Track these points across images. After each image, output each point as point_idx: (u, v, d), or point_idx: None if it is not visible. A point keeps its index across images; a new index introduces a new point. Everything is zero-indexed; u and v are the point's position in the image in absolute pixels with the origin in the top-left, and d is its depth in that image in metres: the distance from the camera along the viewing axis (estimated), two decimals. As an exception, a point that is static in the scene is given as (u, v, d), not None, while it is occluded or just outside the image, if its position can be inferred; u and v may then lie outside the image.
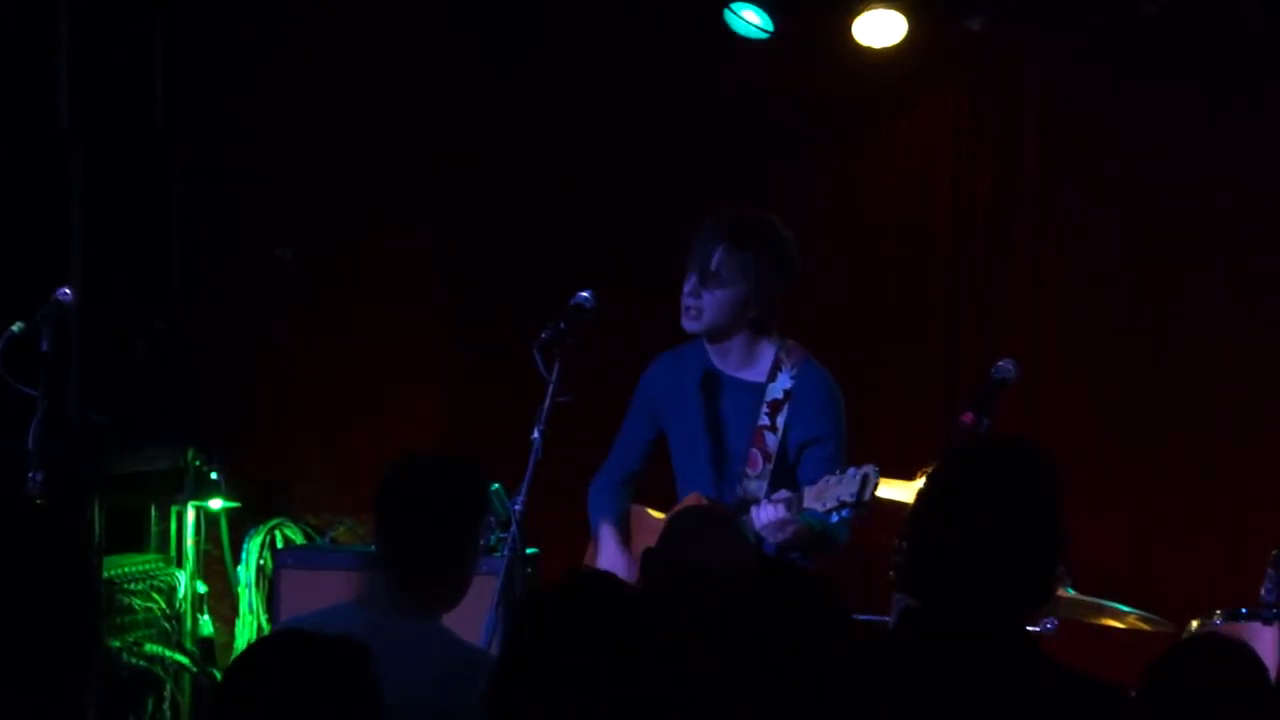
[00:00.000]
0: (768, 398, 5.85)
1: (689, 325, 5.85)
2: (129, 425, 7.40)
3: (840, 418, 5.88)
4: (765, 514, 5.57)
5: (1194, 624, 6.40)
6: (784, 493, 5.63)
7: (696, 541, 4.70)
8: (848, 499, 5.45)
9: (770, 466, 5.78)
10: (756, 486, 5.76)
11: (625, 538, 6.03)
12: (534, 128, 8.27)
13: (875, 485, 5.45)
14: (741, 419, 5.87)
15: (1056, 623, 6.25)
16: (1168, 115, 7.96)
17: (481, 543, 4.91)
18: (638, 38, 8.19)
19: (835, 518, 5.48)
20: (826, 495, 5.49)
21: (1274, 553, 6.34)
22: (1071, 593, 6.39)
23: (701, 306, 5.82)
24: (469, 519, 4.73)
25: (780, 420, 5.82)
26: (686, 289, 5.84)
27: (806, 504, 5.51)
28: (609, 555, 5.94)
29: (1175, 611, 6.61)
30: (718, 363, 5.93)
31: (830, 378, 5.92)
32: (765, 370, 5.88)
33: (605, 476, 6.08)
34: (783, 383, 5.85)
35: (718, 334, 5.88)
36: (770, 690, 3.29)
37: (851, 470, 5.49)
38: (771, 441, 5.81)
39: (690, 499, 5.90)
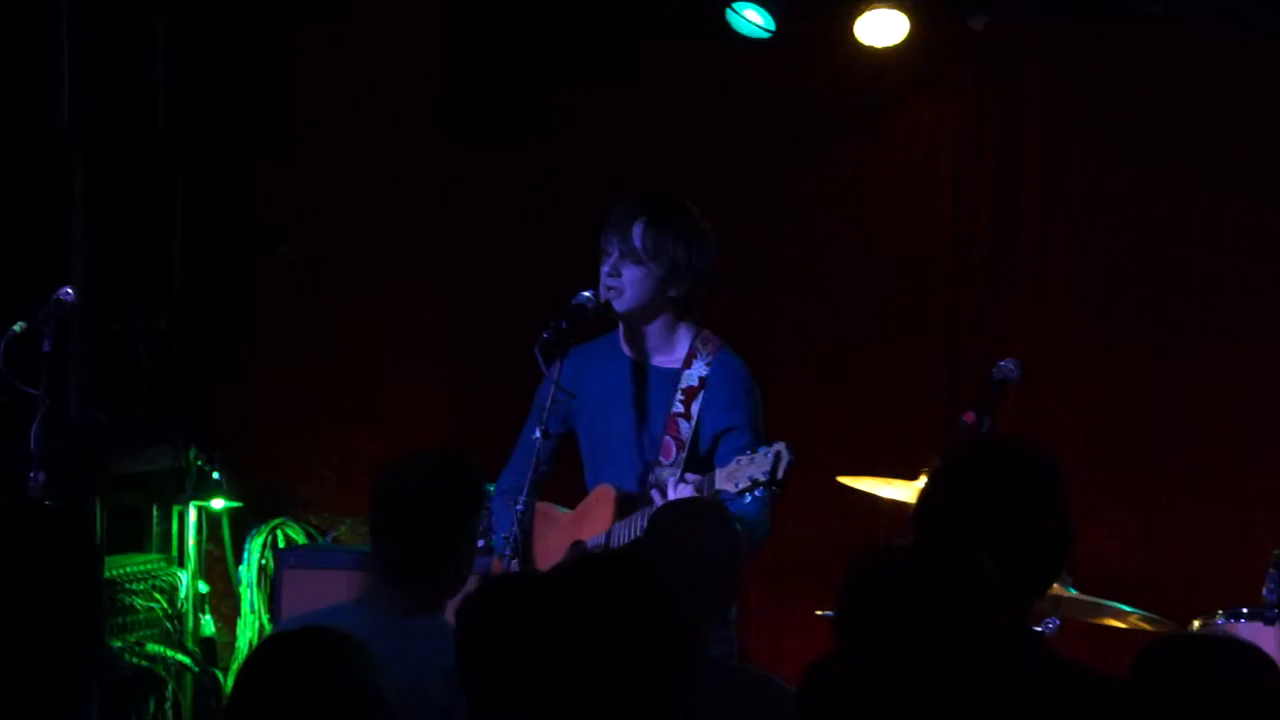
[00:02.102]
0: (682, 384, 5.80)
1: (614, 303, 5.81)
2: (130, 425, 7.40)
3: (755, 408, 5.82)
4: (674, 495, 5.53)
5: (1196, 624, 6.40)
6: (694, 476, 5.59)
7: (685, 531, 4.69)
8: (760, 478, 5.37)
9: (683, 455, 5.73)
10: (669, 474, 5.70)
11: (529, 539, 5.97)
12: (534, 127, 8.27)
13: (788, 463, 5.35)
14: (657, 406, 5.83)
15: (1058, 622, 6.25)
16: (1171, 115, 7.95)
17: (479, 534, 4.91)
18: (639, 37, 8.19)
19: (749, 498, 5.40)
20: (738, 475, 5.41)
21: (1275, 552, 6.34)
22: (1073, 593, 6.38)
23: (622, 285, 5.79)
24: (463, 513, 4.74)
25: (695, 408, 5.77)
26: (605, 268, 5.80)
27: (718, 485, 5.44)
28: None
29: (1177, 612, 6.60)
30: (633, 350, 5.89)
31: (746, 368, 5.86)
32: (681, 357, 5.84)
33: (512, 477, 5.88)
34: (698, 370, 5.81)
35: (639, 315, 5.83)
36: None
37: (763, 449, 5.42)
38: (685, 429, 5.77)
39: (601, 490, 5.87)
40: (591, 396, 5.92)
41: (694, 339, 5.85)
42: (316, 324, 8.15)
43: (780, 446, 5.38)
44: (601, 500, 5.85)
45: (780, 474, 5.36)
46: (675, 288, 5.80)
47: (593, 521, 5.84)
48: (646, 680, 3.12)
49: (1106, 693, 3.57)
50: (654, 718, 3.14)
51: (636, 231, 5.78)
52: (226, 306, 8.03)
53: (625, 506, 5.76)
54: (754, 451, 5.42)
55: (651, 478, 5.75)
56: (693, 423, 5.76)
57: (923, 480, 6.64)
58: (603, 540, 5.73)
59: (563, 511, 6.00)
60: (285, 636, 3.38)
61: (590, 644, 3.12)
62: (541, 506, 6.01)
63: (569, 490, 6.00)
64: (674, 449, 5.76)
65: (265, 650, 3.34)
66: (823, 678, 3.25)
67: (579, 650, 3.11)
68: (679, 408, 5.78)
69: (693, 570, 4.56)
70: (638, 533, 5.54)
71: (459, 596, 4.61)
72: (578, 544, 5.82)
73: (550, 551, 5.87)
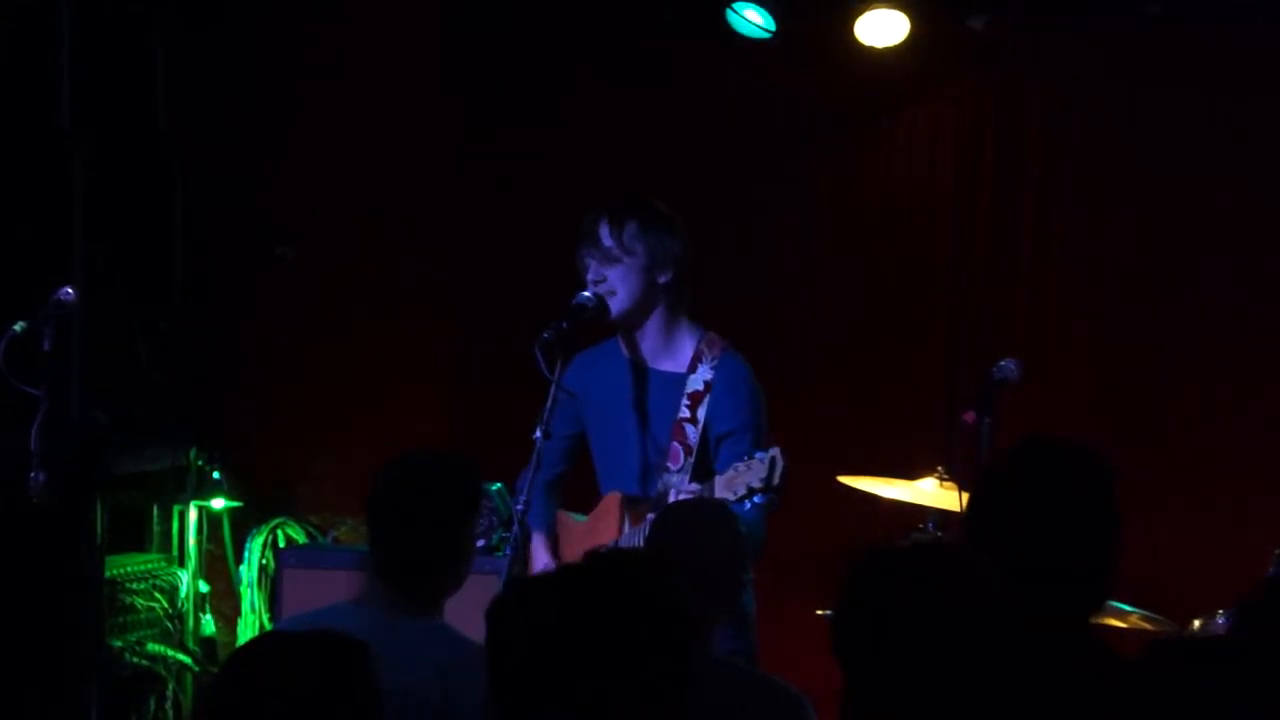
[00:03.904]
0: (688, 389, 5.80)
1: (610, 303, 5.81)
2: (131, 425, 7.40)
3: (759, 410, 5.81)
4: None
5: (1196, 623, 6.40)
6: (694, 485, 5.59)
7: (689, 533, 4.69)
8: (756, 484, 5.35)
9: (691, 460, 5.73)
10: (677, 480, 5.69)
11: (555, 545, 6.00)
12: (535, 127, 8.27)
13: (783, 468, 5.34)
14: (663, 411, 5.82)
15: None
16: (1169, 115, 7.96)
17: (478, 534, 4.90)
18: (639, 37, 8.19)
19: (747, 505, 5.39)
20: (736, 483, 5.40)
21: (1276, 552, 6.34)
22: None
23: (612, 285, 5.81)
24: (461, 514, 4.74)
25: (700, 412, 5.77)
26: (590, 277, 5.81)
27: (718, 494, 5.43)
28: (541, 568, 5.85)
29: (1177, 612, 6.60)
30: (633, 353, 5.89)
31: (749, 370, 5.86)
32: (686, 361, 5.84)
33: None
34: (703, 374, 5.80)
35: (634, 313, 5.83)
36: None
37: (759, 454, 5.41)
38: (692, 434, 5.77)
39: (610, 498, 5.87)
40: (597, 400, 5.94)
41: (699, 342, 5.85)
42: (317, 323, 8.15)
43: (775, 452, 5.37)
44: (610, 507, 5.86)
45: (776, 480, 5.34)
46: (661, 274, 5.81)
47: (603, 529, 5.85)
48: (651, 681, 3.13)
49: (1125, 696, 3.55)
50: (659, 717, 3.14)
51: (604, 233, 5.81)
52: (227, 306, 8.03)
53: (631, 510, 5.77)
54: (750, 458, 5.42)
55: (660, 484, 5.75)
56: (699, 427, 5.76)
57: (928, 481, 6.66)
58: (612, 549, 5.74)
59: (577, 520, 6.01)
60: (287, 636, 3.37)
61: (593, 644, 3.12)
62: (560, 515, 6.04)
63: (584, 493, 6.02)
64: (681, 454, 5.76)
65: (264, 649, 3.33)
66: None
67: (583, 651, 3.11)
68: (685, 413, 5.78)
69: (695, 571, 4.56)
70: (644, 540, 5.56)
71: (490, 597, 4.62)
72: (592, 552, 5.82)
73: (569, 560, 5.87)
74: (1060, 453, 3.88)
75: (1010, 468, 3.85)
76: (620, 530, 5.78)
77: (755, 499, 5.38)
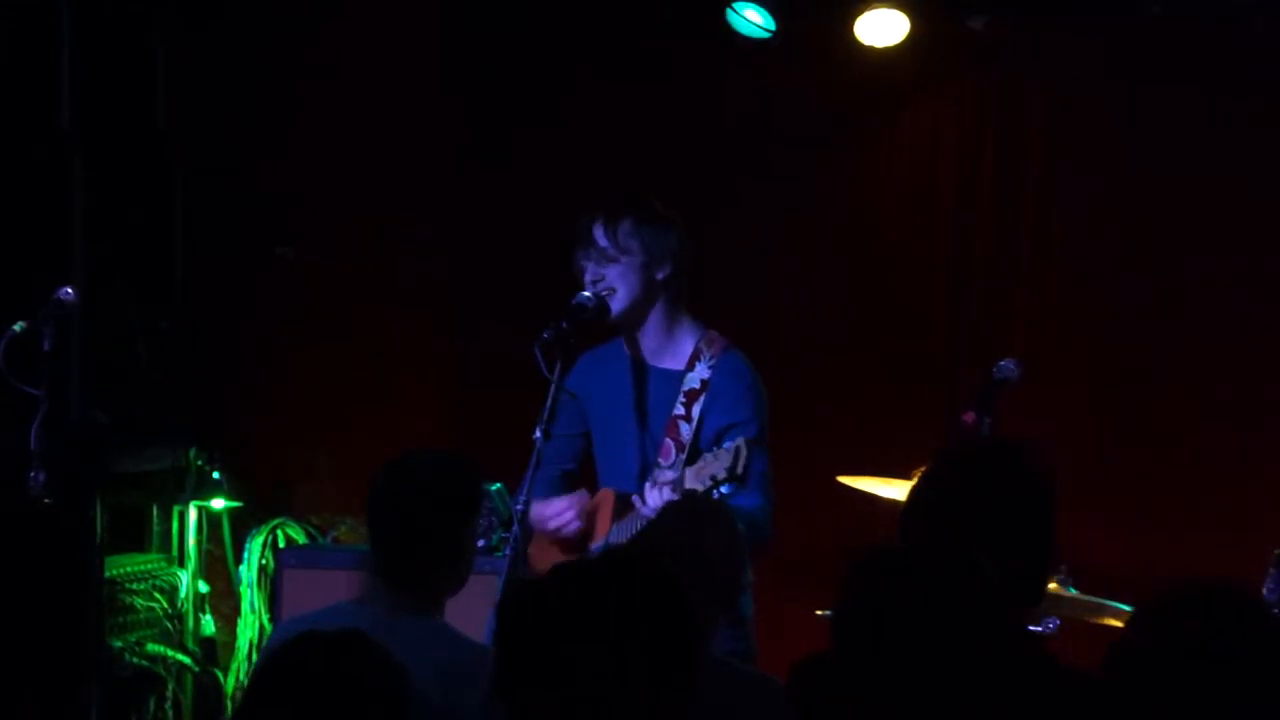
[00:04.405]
0: (684, 386, 5.81)
1: (610, 301, 5.81)
2: (131, 425, 7.39)
3: (761, 405, 5.81)
4: (651, 498, 5.53)
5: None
6: (671, 474, 5.60)
7: (684, 531, 4.70)
8: (721, 474, 5.38)
9: (683, 457, 5.73)
10: (669, 476, 5.72)
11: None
12: (535, 127, 8.27)
13: (746, 458, 5.37)
14: (661, 409, 5.83)
15: (1059, 622, 6.26)
16: (1170, 115, 7.96)
17: (478, 534, 4.90)
18: (639, 37, 8.19)
19: (715, 495, 5.40)
20: (704, 473, 5.43)
21: (1276, 552, 6.34)
22: (1073, 593, 6.38)
23: (611, 283, 5.81)
24: (461, 514, 4.74)
25: (696, 410, 5.78)
26: (588, 278, 5.82)
27: (688, 484, 5.46)
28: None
29: (1177, 611, 6.59)
30: (635, 351, 5.90)
31: (751, 366, 5.87)
32: (684, 359, 5.85)
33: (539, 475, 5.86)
34: (700, 372, 5.81)
35: (634, 311, 5.84)
36: None
37: (726, 444, 5.44)
38: (686, 431, 5.77)
39: (600, 494, 5.88)
40: (599, 400, 5.95)
41: (699, 341, 5.85)
42: (317, 323, 8.15)
43: (740, 441, 5.39)
44: (602, 504, 5.87)
45: (740, 469, 5.36)
46: (659, 270, 5.82)
47: (596, 525, 5.86)
48: (656, 680, 3.13)
49: (1098, 695, 3.56)
50: (664, 716, 3.15)
51: (599, 233, 5.82)
52: (227, 306, 8.03)
53: (623, 508, 5.78)
54: (718, 448, 5.45)
55: (649, 480, 5.76)
56: (693, 425, 5.77)
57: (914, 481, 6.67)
58: (603, 547, 5.75)
59: None
60: (323, 638, 3.37)
61: (600, 642, 3.12)
62: None
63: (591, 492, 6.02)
64: (673, 451, 5.77)
65: (301, 651, 3.32)
66: (813, 678, 3.25)
67: (590, 648, 3.12)
68: (680, 410, 5.79)
69: (695, 571, 4.56)
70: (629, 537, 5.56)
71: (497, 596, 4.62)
72: (586, 549, 5.84)
73: (566, 557, 5.88)
74: (993, 453, 3.88)
75: (943, 469, 3.86)
76: (610, 527, 5.79)
77: (722, 489, 5.39)
